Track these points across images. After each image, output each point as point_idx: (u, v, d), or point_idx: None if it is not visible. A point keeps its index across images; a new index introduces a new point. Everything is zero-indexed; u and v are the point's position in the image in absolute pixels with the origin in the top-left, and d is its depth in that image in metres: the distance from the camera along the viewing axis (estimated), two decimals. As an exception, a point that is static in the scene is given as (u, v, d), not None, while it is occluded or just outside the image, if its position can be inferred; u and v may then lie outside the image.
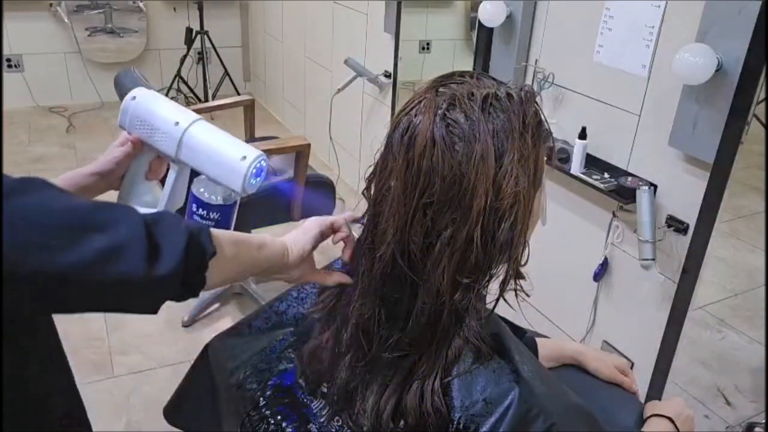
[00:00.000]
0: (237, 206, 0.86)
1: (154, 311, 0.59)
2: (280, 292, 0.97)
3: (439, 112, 0.65)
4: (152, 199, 0.90)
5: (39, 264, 0.51)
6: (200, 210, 0.83)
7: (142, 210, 0.59)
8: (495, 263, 0.68)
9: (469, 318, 0.68)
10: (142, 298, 0.58)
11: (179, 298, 0.61)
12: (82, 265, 0.52)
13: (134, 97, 0.86)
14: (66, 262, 0.51)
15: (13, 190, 0.52)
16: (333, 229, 0.83)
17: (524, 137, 0.66)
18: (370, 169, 0.73)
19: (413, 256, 0.67)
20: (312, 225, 0.81)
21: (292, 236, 0.79)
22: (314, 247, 0.81)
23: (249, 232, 2.53)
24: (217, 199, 0.83)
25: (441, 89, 0.67)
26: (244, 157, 0.80)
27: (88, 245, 0.52)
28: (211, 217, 0.83)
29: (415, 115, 0.66)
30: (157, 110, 0.85)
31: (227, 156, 0.81)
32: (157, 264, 0.55)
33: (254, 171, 0.80)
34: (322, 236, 0.82)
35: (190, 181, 0.89)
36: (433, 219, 0.65)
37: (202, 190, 0.83)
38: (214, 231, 0.64)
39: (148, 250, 0.55)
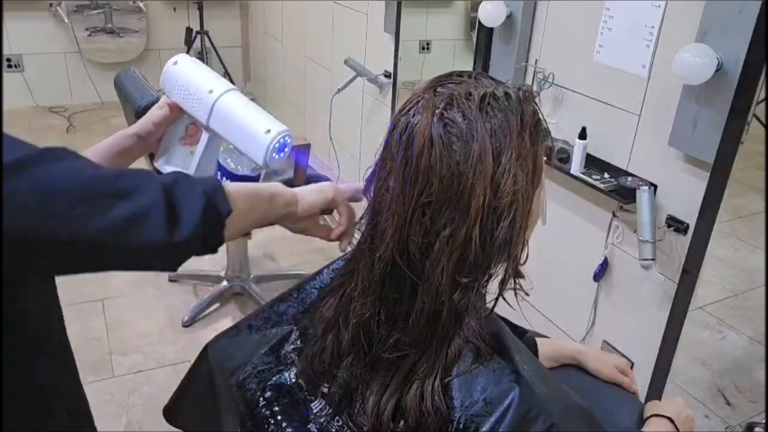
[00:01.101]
0: (261, 179, 0.88)
1: (174, 269, 0.63)
2: (281, 293, 0.97)
3: (437, 111, 0.65)
4: (186, 164, 0.92)
5: (67, 231, 0.53)
6: (224, 179, 0.84)
7: (161, 175, 0.60)
8: (494, 262, 0.68)
9: (469, 317, 0.68)
10: (164, 260, 0.60)
11: (199, 254, 0.62)
12: (108, 233, 0.54)
13: (176, 62, 0.89)
14: (92, 229, 0.53)
15: (39, 159, 0.54)
16: (344, 203, 0.82)
17: (522, 136, 0.66)
18: (369, 170, 0.73)
19: (413, 256, 0.67)
20: (328, 189, 0.81)
21: (306, 190, 0.80)
22: (323, 210, 0.82)
23: (249, 231, 2.53)
24: (242, 170, 0.85)
25: (439, 89, 0.67)
26: (269, 131, 0.81)
27: (112, 213, 0.54)
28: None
29: (413, 115, 0.66)
30: (195, 77, 0.87)
31: (252, 127, 0.82)
32: (177, 229, 0.57)
33: (277, 146, 0.81)
34: (332, 203, 0.82)
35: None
36: (431, 218, 0.65)
37: (228, 159, 0.85)
38: (228, 187, 0.65)
39: (168, 216, 0.57)
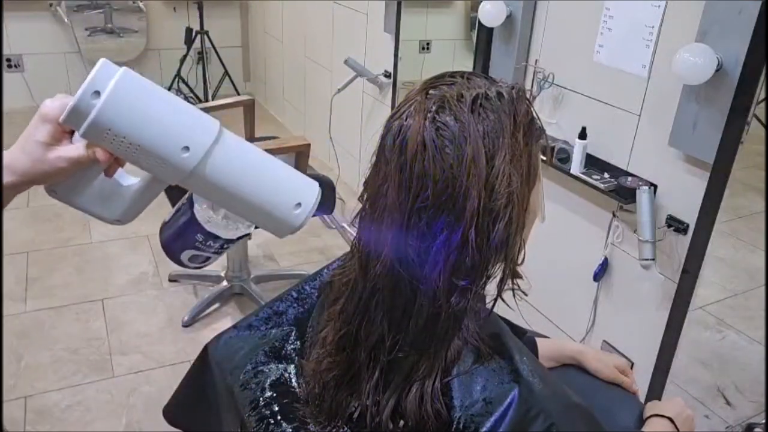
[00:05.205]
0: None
1: None
2: (280, 293, 0.98)
3: (429, 115, 0.64)
4: (119, 200, 0.64)
5: None
6: (208, 241, 0.64)
7: None
8: (491, 264, 0.67)
9: (468, 319, 0.68)
10: None
11: None
12: None
13: (97, 92, 0.54)
14: None
15: None
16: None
17: (515, 136, 0.66)
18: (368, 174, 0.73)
19: (411, 261, 0.66)
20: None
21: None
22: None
23: (249, 232, 2.52)
24: (236, 230, 0.64)
25: (431, 91, 0.67)
26: (299, 204, 0.58)
27: None
28: (224, 247, 0.67)
29: (406, 119, 0.66)
30: (147, 124, 0.54)
31: (275, 203, 0.58)
32: None
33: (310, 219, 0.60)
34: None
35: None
36: (428, 223, 0.65)
37: (211, 215, 0.62)
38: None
39: None
